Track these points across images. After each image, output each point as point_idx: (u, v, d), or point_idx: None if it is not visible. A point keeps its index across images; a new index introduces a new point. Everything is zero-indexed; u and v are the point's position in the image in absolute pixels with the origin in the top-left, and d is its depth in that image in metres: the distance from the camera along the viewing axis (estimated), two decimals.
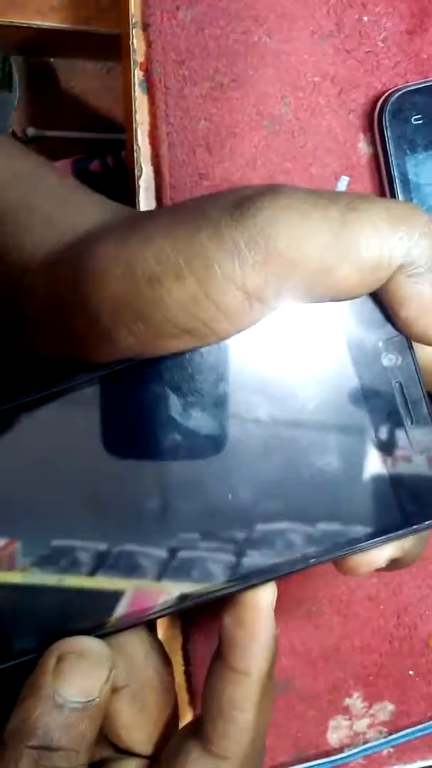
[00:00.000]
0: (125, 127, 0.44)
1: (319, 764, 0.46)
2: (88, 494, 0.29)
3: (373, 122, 0.43)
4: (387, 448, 0.28)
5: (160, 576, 0.29)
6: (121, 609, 0.29)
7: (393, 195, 0.43)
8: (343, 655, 0.47)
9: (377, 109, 0.43)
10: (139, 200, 0.43)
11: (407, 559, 0.30)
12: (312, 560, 0.29)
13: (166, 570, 0.29)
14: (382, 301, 0.27)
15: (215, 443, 0.28)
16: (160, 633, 0.45)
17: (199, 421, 0.28)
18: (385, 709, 0.47)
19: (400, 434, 0.28)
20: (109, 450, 0.29)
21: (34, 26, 0.55)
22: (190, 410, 0.28)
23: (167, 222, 0.27)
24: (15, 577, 0.29)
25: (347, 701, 0.47)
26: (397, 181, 0.42)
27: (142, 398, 0.28)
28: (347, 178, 0.44)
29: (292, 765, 0.46)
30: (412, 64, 0.44)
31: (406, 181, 0.42)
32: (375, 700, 0.47)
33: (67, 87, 0.70)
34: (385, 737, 0.47)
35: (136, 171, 0.43)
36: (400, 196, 0.42)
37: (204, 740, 0.29)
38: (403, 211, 0.26)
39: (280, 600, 0.30)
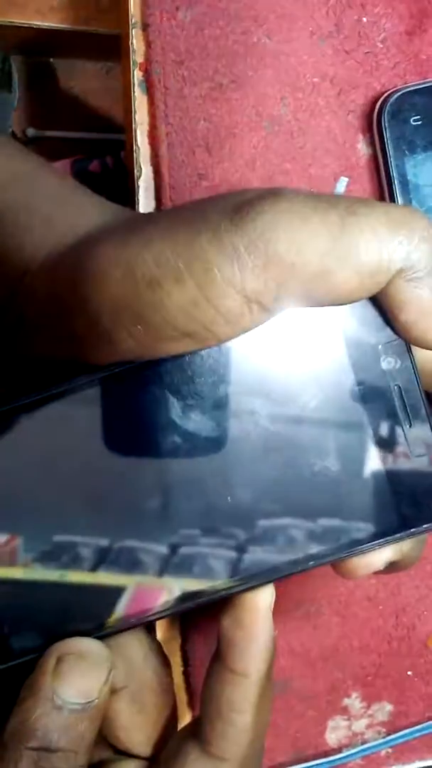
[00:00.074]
0: (125, 127, 0.44)
1: (317, 764, 0.46)
2: (90, 492, 0.29)
3: (372, 123, 0.43)
4: (386, 450, 0.28)
5: (161, 572, 0.29)
6: (122, 606, 0.29)
7: (392, 196, 0.43)
8: (341, 656, 0.47)
9: (376, 110, 0.43)
10: (138, 200, 0.43)
11: (405, 562, 0.30)
12: (311, 562, 0.29)
13: (168, 566, 0.29)
14: (382, 304, 0.27)
15: (214, 445, 0.29)
16: (159, 634, 0.45)
17: (198, 422, 0.28)
18: (384, 709, 0.48)
19: (398, 437, 0.28)
20: (111, 450, 0.29)
21: (34, 26, 0.55)
22: (190, 411, 0.28)
23: (167, 225, 0.27)
24: (17, 573, 0.29)
25: (346, 701, 0.47)
26: (396, 181, 0.42)
27: (142, 399, 0.28)
28: (346, 179, 0.44)
29: (291, 765, 0.46)
30: (411, 64, 0.44)
31: (405, 182, 0.42)
32: (373, 701, 0.47)
33: (66, 87, 0.70)
34: (384, 737, 0.47)
35: (135, 171, 0.43)
36: (399, 196, 0.42)
37: (203, 741, 0.29)
38: (402, 215, 0.26)
39: (278, 601, 0.30)
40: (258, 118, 0.43)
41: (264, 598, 0.29)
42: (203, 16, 0.42)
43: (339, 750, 0.47)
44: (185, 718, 0.45)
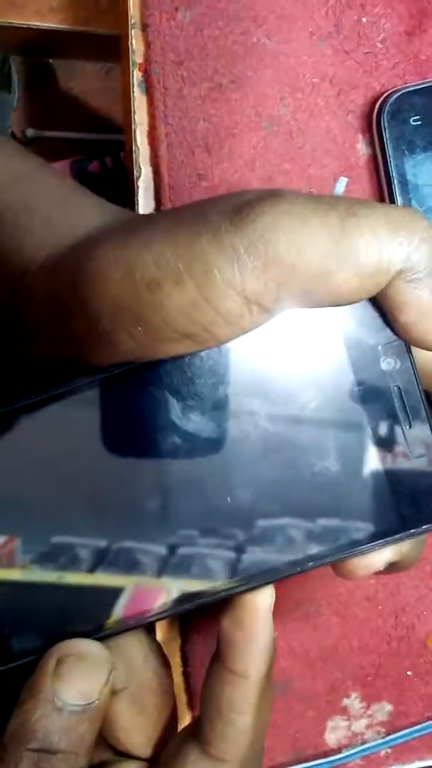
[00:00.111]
0: (124, 127, 0.44)
1: (317, 765, 0.46)
2: (89, 493, 0.29)
3: (371, 123, 0.43)
4: (386, 451, 0.28)
5: (160, 573, 0.29)
6: (121, 608, 0.29)
7: (391, 196, 0.43)
8: (341, 656, 0.47)
9: (376, 110, 0.43)
10: (137, 201, 0.43)
11: (405, 563, 0.30)
12: (310, 563, 0.29)
13: (166, 567, 0.29)
14: (382, 305, 0.27)
15: (213, 446, 0.29)
16: (159, 634, 0.45)
17: (197, 423, 0.28)
18: (383, 709, 0.48)
19: (398, 438, 0.28)
20: (110, 451, 0.29)
21: (34, 27, 0.55)
22: (190, 412, 0.28)
23: (167, 226, 0.27)
24: (15, 575, 0.29)
25: (345, 702, 0.47)
26: (395, 182, 0.42)
27: (142, 400, 0.28)
28: (346, 179, 0.44)
29: (291, 765, 0.46)
30: (411, 65, 0.44)
31: (404, 182, 0.42)
32: (373, 701, 0.47)
33: (66, 88, 0.70)
34: (383, 738, 0.47)
35: (134, 172, 0.43)
36: (399, 197, 0.42)
37: (202, 742, 0.29)
38: (402, 216, 0.26)
39: (278, 601, 0.30)
40: (257, 118, 0.43)
41: (264, 598, 0.29)
42: (202, 17, 0.42)
43: (339, 750, 0.47)
44: (185, 719, 0.45)
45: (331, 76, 0.43)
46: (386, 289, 0.27)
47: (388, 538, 0.29)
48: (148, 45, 0.42)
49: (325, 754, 0.47)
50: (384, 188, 0.43)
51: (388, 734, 0.48)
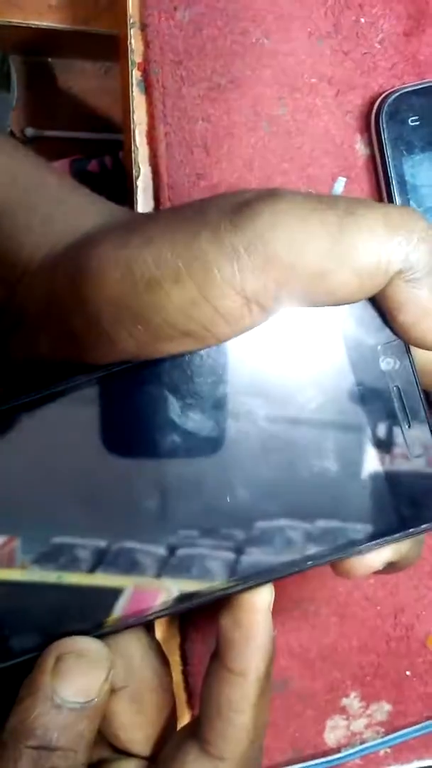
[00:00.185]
0: (123, 127, 0.44)
1: (316, 764, 0.46)
2: (88, 492, 0.29)
3: (370, 123, 0.43)
4: (384, 451, 0.28)
5: (159, 573, 0.29)
6: (121, 607, 0.29)
7: (390, 196, 0.43)
8: (340, 656, 0.47)
9: (374, 111, 0.43)
10: (136, 200, 0.43)
11: (404, 563, 0.30)
12: (309, 562, 0.29)
13: (166, 567, 0.29)
14: (381, 305, 0.27)
15: (212, 445, 0.29)
16: (159, 633, 0.45)
17: (196, 422, 0.28)
18: (382, 709, 0.48)
19: (397, 438, 0.28)
20: (109, 450, 0.29)
21: (33, 26, 0.55)
22: (189, 411, 0.28)
23: (166, 225, 0.27)
24: (14, 575, 0.29)
25: (344, 701, 0.47)
26: (393, 182, 0.42)
27: (141, 399, 0.28)
28: (344, 179, 0.44)
29: (290, 765, 0.46)
30: (409, 65, 0.44)
31: (402, 183, 0.43)
32: (372, 700, 0.47)
33: (65, 87, 0.70)
34: (382, 737, 0.47)
35: (133, 171, 0.43)
36: (397, 197, 0.42)
37: (201, 741, 0.29)
38: (401, 216, 0.26)
39: (277, 600, 0.30)
40: (256, 118, 0.43)
41: (263, 598, 0.29)
42: (201, 17, 0.42)
43: (338, 750, 0.47)
44: (184, 718, 0.45)
45: (329, 77, 0.43)
46: (385, 289, 0.27)
47: (386, 538, 0.29)
48: (147, 44, 0.42)
49: (324, 754, 0.47)
50: (382, 188, 0.43)
51: (387, 734, 0.48)
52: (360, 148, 0.44)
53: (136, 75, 0.42)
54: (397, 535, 0.29)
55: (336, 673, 0.47)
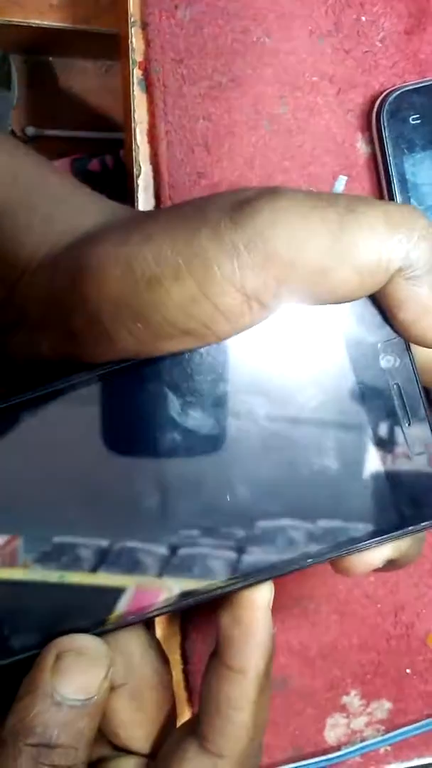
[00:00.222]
0: (124, 126, 0.44)
1: (316, 762, 0.47)
2: (89, 491, 0.29)
3: (371, 122, 0.43)
4: (385, 449, 0.29)
5: (161, 572, 0.29)
6: (122, 606, 0.29)
7: (391, 194, 0.43)
8: (340, 654, 0.47)
9: (375, 109, 0.43)
10: (137, 199, 0.43)
11: (404, 560, 0.30)
12: (309, 560, 0.29)
13: (167, 566, 0.29)
14: (381, 303, 0.27)
15: (213, 443, 0.29)
16: (159, 631, 0.45)
17: (197, 420, 0.28)
18: (383, 707, 0.48)
19: (397, 435, 0.28)
20: (110, 449, 0.29)
21: (33, 25, 0.55)
22: (190, 409, 0.28)
23: (167, 223, 0.27)
24: (17, 574, 0.29)
25: (345, 699, 0.47)
26: (394, 180, 0.42)
27: (142, 397, 0.28)
28: (345, 178, 0.44)
29: (290, 763, 0.47)
30: (410, 63, 0.44)
31: (403, 181, 0.43)
32: (372, 698, 0.47)
33: (66, 86, 0.70)
34: (383, 735, 0.48)
35: (134, 170, 0.43)
36: (398, 195, 0.42)
37: (201, 738, 0.29)
38: (401, 213, 0.26)
39: (277, 598, 0.30)
40: (257, 116, 0.43)
41: (262, 595, 0.29)
42: (202, 15, 0.42)
43: (338, 748, 0.47)
44: (185, 716, 0.45)
45: (330, 75, 0.43)
46: (386, 287, 0.27)
47: (386, 536, 0.29)
48: (148, 43, 0.42)
49: (325, 752, 0.47)
50: (383, 187, 0.43)
51: (388, 732, 0.48)
52: (361, 147, 0.44)
53: (137, 74, 0.42)
54: (397, 532, 0.29)
55: (336, 671, 0.47)
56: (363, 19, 0.43)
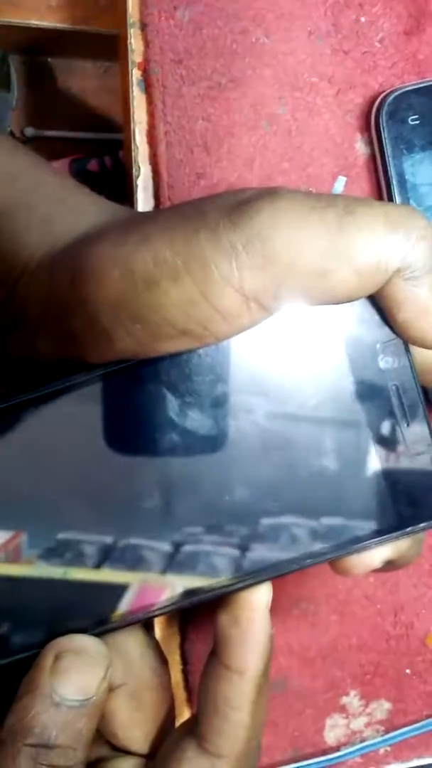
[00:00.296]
0: (123, 126, 0.44)
1: (316, 763, 0.47)
2: (91, 489, 0.29)
3: (370, 123, 0.43)
4: (384, 450, 0.29)
5: (164, 569, 0.29)
6: (125, 604, 0.29)
7: (390, 195, 0.43)
8: (339, 654, 0.47)
9: (374, 110, 0.43)
10: (136, 200, 0.43)
11: (403, 561, 0.30)
12: (308, 560, 0.29)
13: (171, 563, 0.29)
14: (380, 303, 0.27)
15: (211, 443, 0.29)
16: (158, 632, 0.45)
17: (198, 420, 0.28)
18: (382, 707, 0.48)
19: (396, 436, 0.29)
20: (113, 448, 0.29)
21: (32, 26, 0.55)
22: (191, 409, 0.28)
23: (165, 223, 0.27)
24: (21, 570, 0.29)
25: (344, 700, 0.47)
26: (394, 181, 0.42)
27: (143, 397, 0.28)
28: (344, 179, 0.44)
29: (289, 763, 0.47)
30: (409, 64, 0.44)
31: (402, 182, 0.43)
32: (372, 699, 0.47)
33: (64, 86, 0.70)
34: (382, 736, 0.48)
35: (133, 170, 0.43)
36: (397, 196, 0.42)
37: (199, 738, 0.29)
38: (400, 214, 0.26)
39: (276, 599, 0.30)
40: (256, 117, 0.43)
41: (261, 596, 0.29)
42: (201, 16, 0.42)
43: (337, 748, 0.47)
44: (184, 716, 0.45)
45: (329, 76, 0.43)
46: (385, 287, 0.27)
47: (386, 536, 0.29)
48: (147, 44, 0.42)
49: (324, 752, 0.47)
50: (383, 188, 0.43)
51: (387, 732, 0.48)
52: (360, 147, 0.44)
53: (136, 74, 0.42)
54: (396, 533, 0.29)
55: (336, 672, 0.47)
56: (362, 19, 0.43)
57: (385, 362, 0.28)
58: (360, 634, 0.47)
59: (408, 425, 0.28)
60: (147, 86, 0.42)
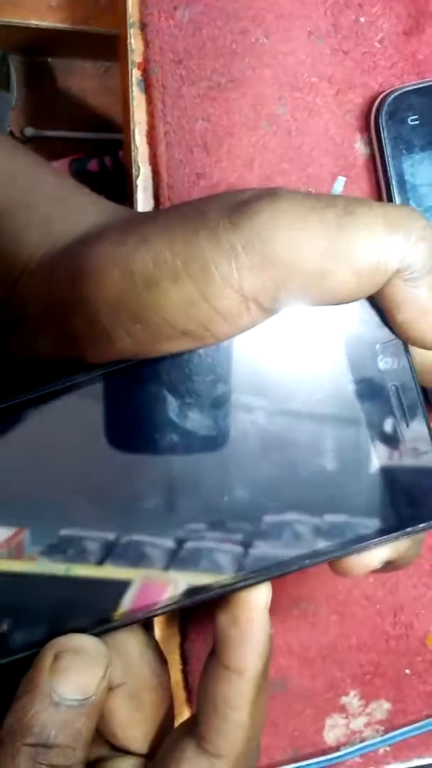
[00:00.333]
0: (123, 126, 0.44)
1: (315, 763, 0.47)
2: (93, 487, 0.29)
3: (369, 123, 0.43)
4: (383, 450, 0.29)
5: (167, 566, 0.29)
6: (128, 602, 0.29)
7: (389, 196, 0.43)
8: (339, 654, 0.47)
9: (374, 110, 0.43)
10: (136, 200, 0.43)
11: (402, 561, 0.30)
12: (307, 561, 0.29)
13: (173, 560, 0.29)
14: (380, 304, 0.27)
15: (210, 443, 0.29)
16: (158, 631, 0.45)
17: (196, 420, 0.28)
18: (382, 707, 0.48)
19: (396, 437, 0.29)
20: (116, 447, 0.29)
21: (32, 26, 0.55)
22: (191, 408, 0.28)
23: (165, 224, 0.27)
24: (23, 566, 0.29)
25: (344, 700, 0.47)
26: (393, 181, 0.42)
27: (143, 396, 0.28)
28: (344, 179, 0.44)
29: (289, 763, 0.47)
30: (409, 64, 0.44)
31: (402, 182, 0.43)
32: (371, 699, 0.48)
33: (64, 87, 0.70)
34: (382, 736, 0.48)
35: (133, 170, 0.43)
36: (397, 196, 0.42)
37: (198, 738, 0.29)
38: (400, 215, 0.26)
39: (276, 599, 0.30)
40: (256, 117, 0.43)
41: (260, 596, 0.29)
42: (201, 16, 0.42)
43: (337, 748, 0.47)
44: (184, 716, 0.45)
45: (329, 76, 0.43)
46: (384, 288, 0.27)
47: (385, 536, 0.29)
48: (146, 44, 0.42)
49: (324, 752, 0.47)
50: (382, 188, 0.43)
51: (387, 732, 0.48)
52: (360, 148, 0.44)
53: (135, 74, 0.42)
54: (395, 533, 0.29)
55: (335, 672, 0.47)
56: (362, 20, 0.43)
57: (384, 363, 0.28)
58: (360, 634, 0.47)
59: (407, 426, 0.28)
60: (147, 86, 0.42)
